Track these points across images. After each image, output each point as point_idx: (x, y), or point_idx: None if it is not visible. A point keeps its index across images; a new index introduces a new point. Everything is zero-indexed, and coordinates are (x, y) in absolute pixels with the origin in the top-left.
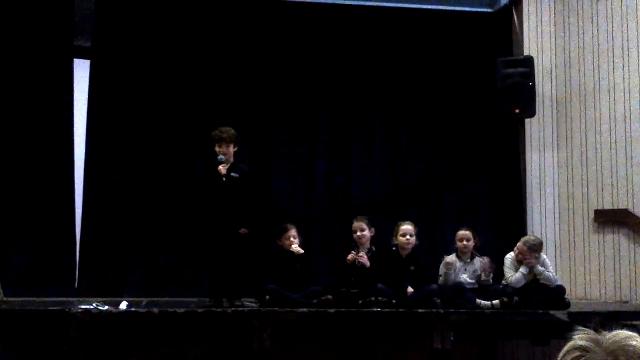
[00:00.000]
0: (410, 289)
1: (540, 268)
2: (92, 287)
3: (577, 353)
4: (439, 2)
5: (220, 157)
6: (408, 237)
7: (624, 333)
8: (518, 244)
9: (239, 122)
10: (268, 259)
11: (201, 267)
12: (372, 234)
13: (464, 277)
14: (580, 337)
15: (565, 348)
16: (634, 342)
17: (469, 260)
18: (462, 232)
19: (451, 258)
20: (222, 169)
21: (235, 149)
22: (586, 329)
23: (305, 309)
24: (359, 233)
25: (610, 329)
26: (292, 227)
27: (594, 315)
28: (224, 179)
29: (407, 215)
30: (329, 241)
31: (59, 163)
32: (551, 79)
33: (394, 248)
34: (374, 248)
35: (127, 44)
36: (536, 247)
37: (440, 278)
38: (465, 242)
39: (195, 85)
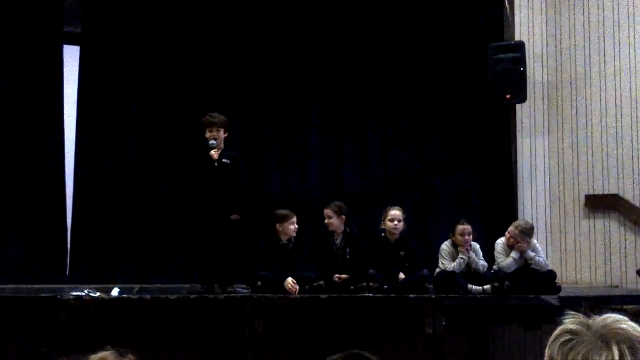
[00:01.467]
0: (402, 275)
1: (531, 253)
2: (84, 274)
3: (568, 337)
4: None
5: (212, 142)
6: (396, 222)
7: (613, 317)
8: (509, 228)
9: (231, 111)
10: (260, 245)
11: (193, 254)
12: (342, 221)
13: (453, 265)
14: (571, 321)
15: (556, 332)
16: (623, 326)
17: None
18: (463, 227)
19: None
20: (214, 153)
21: (226, 134)
22: (576, 313)
23: (297, 295)
24: (326, 220)
25: (600, 313)
26: (294, 215)
27: (585, 299)
28: (215, 164)
29: (399, 203)
30: (322, 229)
31: (49, 151)
32: (542, 65)
33: (382, 234)
34: (348, 230)
35: (117, 30)
36: (528, 231)
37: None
38: (466, 237)
39: (187, 73)
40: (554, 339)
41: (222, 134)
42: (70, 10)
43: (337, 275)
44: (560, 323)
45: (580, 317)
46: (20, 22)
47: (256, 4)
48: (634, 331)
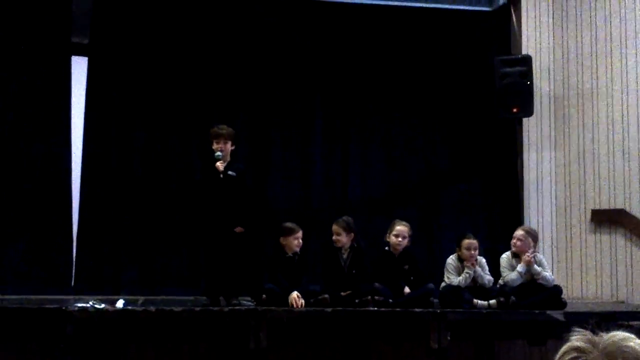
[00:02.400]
0: (407, 289)
1: (537, 268)
2: (89, 285)
3: (574, 354)
4: (438, 0)
5: (218, 153)
6: (400, 239)
7: (621, 334)
8: (515, 233)
9: (236, 121)
10: (265, 257)
11: (198, 266)
12: (350, 238)
13: (459, 280)
14: (577, 339)
15: (562, 349)
16: (631, 344)
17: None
18: (470, 241)
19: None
20: (219, 165)
21: (233, 147)
22: (583, 330)
23: (302, 308)
24: (334, 237)
25: (608, 330)
26: (299, 228)
27: (591, 315)
28: (221, 175)
29: (403, 215)
30: (327, 240)
31: (56, 161)
32: (549, 78)
33: (386, 248)
34: (355, 245)
35: (125, 41)
36: (533, 233)
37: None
38: (472, 252)
39: (193, 83)
40: (560, 356)
41: (228, 146)
42: (78, 21)
43: (342, 293)
44: (566, 340)
45: (587, 334)
46: (28, 33)
47: (263, 16)
48: None
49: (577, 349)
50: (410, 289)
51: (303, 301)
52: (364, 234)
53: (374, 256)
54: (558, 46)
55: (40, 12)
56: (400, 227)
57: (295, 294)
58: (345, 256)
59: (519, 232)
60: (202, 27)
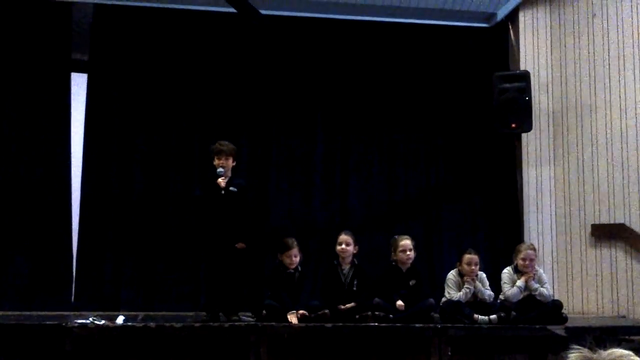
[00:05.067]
0: (399, 303)
1: (535, 284)
2: (89, 301)
3: None
4: (436, 17)
5: (220, 170)
6: (408, 252)
7: (618, 351)
8: (524, 252)
9: (237, 136)
10: (265, 273)
11: (198, 282)
12: (355, 251)
13: (460, 295)
14: (576, 356)
15: None
16: None
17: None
18: (470, 256)
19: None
20: (221, 182)
21: (234, 163)
22: (581, 348)
23: (302, 324)
24: (343, 246)
25: (605, 347)
26: (295, 245)
27: (592, 330)
28: (222, 192)
29: (404, 229)
30: (327, 256)
31: (56, 177)
32: (547, 94)
33: (393, 263)
34: (356, 261)
35: (124, 57)
36: (533, 247)
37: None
38: (473, 267)
39: (193, 100)
40: None
41: (230, 163)
42: (78, 38)
43: (341, 306)
44: (565, 358)
45: (585, 351)
46: (28, 49)
47: (261, 31)
48: None
49: None
50: (412, 304)
51: (303, 311)
52: (364, 249)
53: (374, 270)
54: (556, 62)
55: (40, 29)
56: (405, 242)
57: (293, 315)
58: (345, 272)
59: (530, 253)
60: (202, 43)
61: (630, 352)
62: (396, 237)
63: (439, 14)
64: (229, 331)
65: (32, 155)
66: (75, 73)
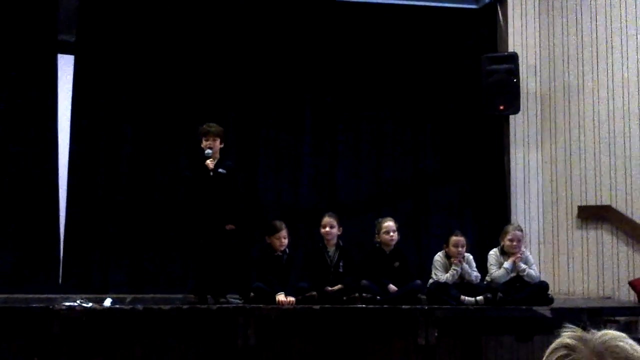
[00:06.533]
0: (392, 287)
1: (522, 265)
2: (76, 284)
3: (564, 351)
4: None
5: (207, 151)
6: (391, 233)
7: (612, 333)
8: (511, 234)
9: (225, 119)
10: (254, 255)
11: (186, 264)
12: (339, 233)
13: (447, 276)
14: (568, 335)
15: (552, 345)
16: (621, 344)
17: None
18: (457, 238)
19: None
20: (209, 163)
21: (222, 145)
22: (575, 327)
23: (290, 306)
24: (328, 229)
25: (599, 328)
26: (283, 227)
27: (578, 311)
28: (211, 173)
29: (392, 212)
30: (316, 239)
31: (42, 159)
32: (535, 76)
33: (376, 245)
34: (341, 243)
35: (111, 39)
36: (520, 227)
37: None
38: (460, 249)
39: (181, 82)
40: (550, 353)
41: (218, 144)
42: (65, 19)
43: (328, 287)
44: (557, 335)
45: (578, 331)
46: (14, 31)
47: (249, 13)
48: (632, 350)
49: (566, 346)
50: (396, 286)
51: (293, 299)
52: (352, 232)
53: (362, 253)
54: (544, 44)
55: (27, 10)
56: (388, 223)
57: (281, 296)
58: (331, 253)
59: (518, 234)
60: (190, 25)
61: (623, 334)
62: (380, 219)
63: None
64: (217, 313)
65: (18, 137)
66: (62, 54)
